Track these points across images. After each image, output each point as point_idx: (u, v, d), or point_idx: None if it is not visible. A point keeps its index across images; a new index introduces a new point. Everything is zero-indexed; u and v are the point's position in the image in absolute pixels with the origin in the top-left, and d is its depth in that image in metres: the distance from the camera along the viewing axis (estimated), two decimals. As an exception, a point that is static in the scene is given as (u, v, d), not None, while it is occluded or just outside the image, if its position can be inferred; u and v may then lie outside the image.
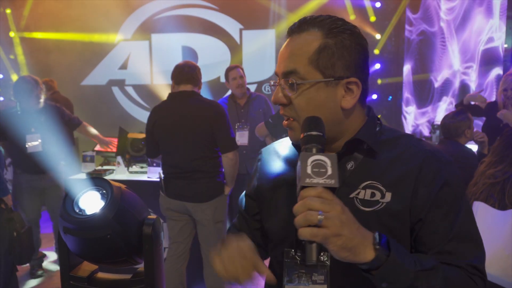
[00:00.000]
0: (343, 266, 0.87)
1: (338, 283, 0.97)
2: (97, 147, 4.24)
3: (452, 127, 3.07)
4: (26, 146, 3.44)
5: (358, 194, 0.98)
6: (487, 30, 5.18)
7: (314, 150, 0.86)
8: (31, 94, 3.48)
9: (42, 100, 3.56)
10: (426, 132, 5.68)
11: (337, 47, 0.95)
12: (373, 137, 1.01)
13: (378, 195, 0.96)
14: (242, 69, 3.87)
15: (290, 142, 1.11)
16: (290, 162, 1.11)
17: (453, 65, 5.59)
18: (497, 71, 5.13)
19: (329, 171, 0.81)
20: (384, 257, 0.84)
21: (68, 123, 3.80)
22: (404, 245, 0.95)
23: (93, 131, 4.02)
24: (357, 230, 0.83)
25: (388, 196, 0.95)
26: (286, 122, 1.02)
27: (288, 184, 1.07)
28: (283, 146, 1.17)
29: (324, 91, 0.96)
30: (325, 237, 0.79)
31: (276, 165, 1.14)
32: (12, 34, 6.20)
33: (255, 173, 1.20)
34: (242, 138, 3.74)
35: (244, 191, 1.26)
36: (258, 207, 1.17)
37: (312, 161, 0.82)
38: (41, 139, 3.49)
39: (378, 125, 1.06)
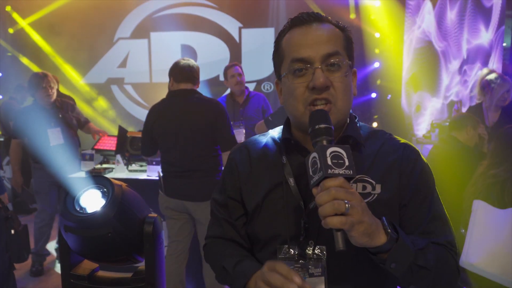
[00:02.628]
0: (339, 258, 0.89)
1: (334, 275, 1.00)
2: (96, 145, 4.24)
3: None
4: (49, 139, 3.62)
5: None
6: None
7: (325, 142, 0.88)
8: (48, 89, 3.64)
9: (55, 95, 3.73)
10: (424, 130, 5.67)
11: (350, 40, 1.06)
12: (357, 132, 1.07)
13: (369, 188, 1.02)
14: (241, 67, 3.87)
15: (263, 141, 1.15)
16: (271, 160, 1.10)
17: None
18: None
19: (347, 162, 0.84)
20: (394, 239, 0.89)
21: (78, 120, 4.01)
22: None
23: (93, 128, 4.18)
24: (372, 216, 0.87)
25: (378, 188, 1.02)
26: (322, 107, 0.98)
27: (273, 183, 1.07)
28: (257, 145, 1.16)
29: (350, 77, 1.04)
30: (352, 224, 0.81)
31: (256, 165, 1.12)
32: (11, 31, 6.19)
33: (233, 174, 1.14)
34: (238, 136, 3.74)
35: (217, 196, 1.18)
36: (243, 208, 1.13)
37: (331, 153, 0.85)
38: (62, 133, 3.71)
39: (357, 121, 1.12)
